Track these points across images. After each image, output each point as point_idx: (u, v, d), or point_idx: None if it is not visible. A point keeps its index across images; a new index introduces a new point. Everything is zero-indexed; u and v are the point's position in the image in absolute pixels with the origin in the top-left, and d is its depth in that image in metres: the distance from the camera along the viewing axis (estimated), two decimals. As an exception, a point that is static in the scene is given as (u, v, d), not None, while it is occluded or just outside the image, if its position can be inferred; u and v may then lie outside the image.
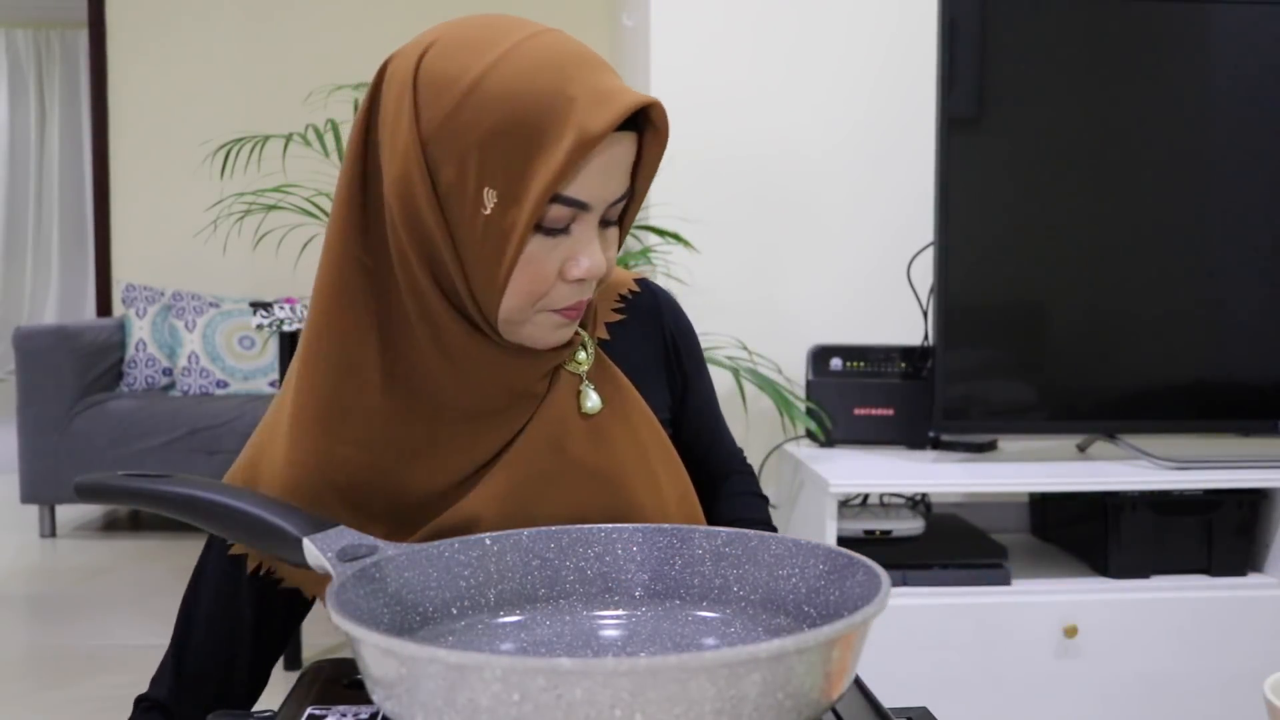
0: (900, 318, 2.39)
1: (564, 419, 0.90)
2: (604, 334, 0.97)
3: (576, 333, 0.92)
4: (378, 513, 0.87)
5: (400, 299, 0.84)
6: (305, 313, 2.60)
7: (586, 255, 0.82)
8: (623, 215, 0.88)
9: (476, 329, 0.85)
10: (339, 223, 0.84)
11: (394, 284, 0.84)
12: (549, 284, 0.83)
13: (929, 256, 2.12)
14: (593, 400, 0.91)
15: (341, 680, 0.86)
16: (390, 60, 0.83)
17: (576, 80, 0.78)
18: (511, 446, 0.88)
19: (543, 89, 0.77)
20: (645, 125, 0.84)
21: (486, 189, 0.78)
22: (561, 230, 0.82)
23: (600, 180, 0.81)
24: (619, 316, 0.99)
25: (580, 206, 0.81)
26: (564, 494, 0.89)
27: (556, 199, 0.79)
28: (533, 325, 0.85)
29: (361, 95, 2.99)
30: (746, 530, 0.80)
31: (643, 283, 1.03)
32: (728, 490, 1.10)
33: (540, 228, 0.80)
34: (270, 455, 0.89)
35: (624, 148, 0.82)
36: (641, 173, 0.86)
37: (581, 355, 0.92)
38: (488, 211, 0.78)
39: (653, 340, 1.02)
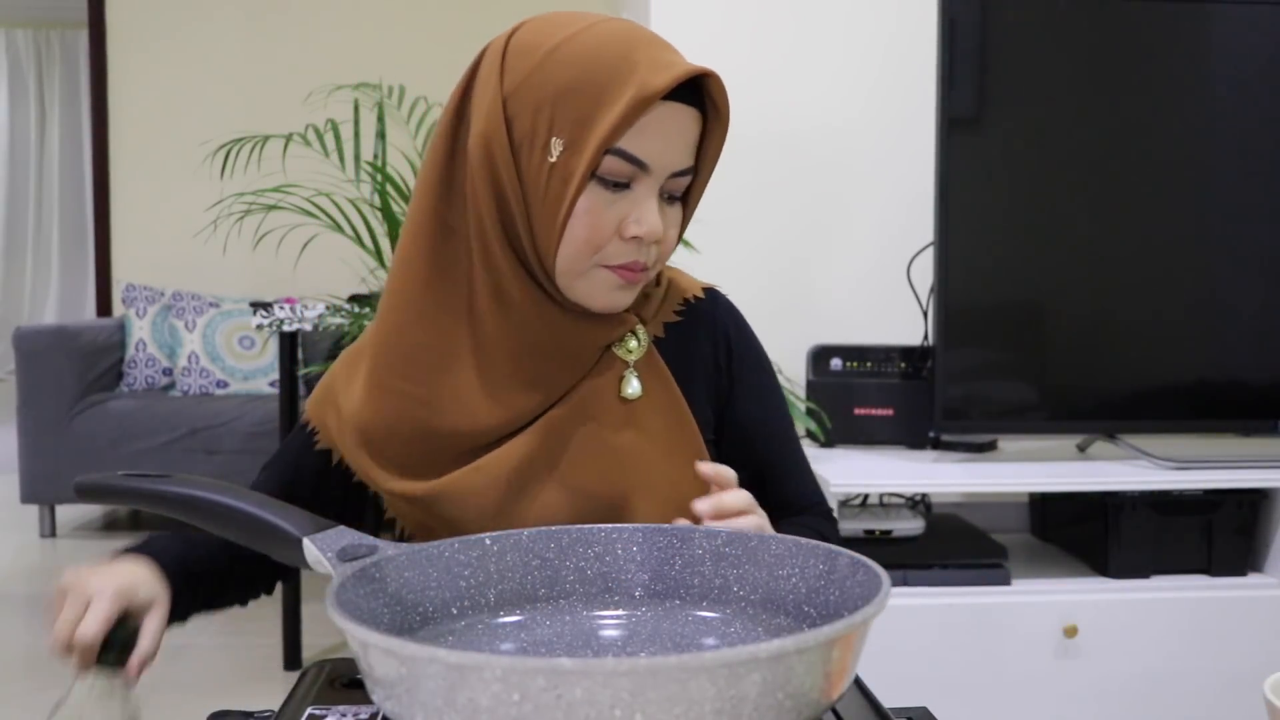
0: (900, 318, 2.38)
1: (602, 398, 0.95)
2: (659, 331, 1.01)
3: (632, 317, 0.97)
4: (417, 451, 0.94)
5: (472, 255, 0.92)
6: (303, 311, 2.60)
7: (644, 214, 0.89)
8: (687, 196, 0.94)
9: (537, 283, 0.91)
10: (427, 184, 0.93)
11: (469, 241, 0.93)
12: (606, 237, 0.89)
13: (929, 256, 2.12)
14: (634, 387, 0.96)
15: (341, 680, 0.86)
16: (489, 42, 0.93)
17: (642, 50, 0.88)
18: (547, 414, 0.93)
19: (612, 54, 0.87)
20: (710, 110, 0.92)
21: (554, 138, 0.87)
22: (621, 186, 0.89)
23: (659, 144, 0.88)
24: (678, 318, 1.03)
25: (638, 164, 0.88)
26: (581, 469, 0.93)
27: (616, 152, 0.87)
28: (588, 281, 0.91)
29: (361, 95, 2.99)
30: (746, 530, 0.80)
31: (710, 292, 1.07)
32: (795, 520, 1.06)
33: (600, 179, 0.88)
34: (349, 391, 0.98)
35: (685, 120, 0.90)
36: (705, 154, 0.93)
37: (634, 344, 0.97)
38: (553, 159, 0.87)
39: (704, 348, 1.03)
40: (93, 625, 0.80)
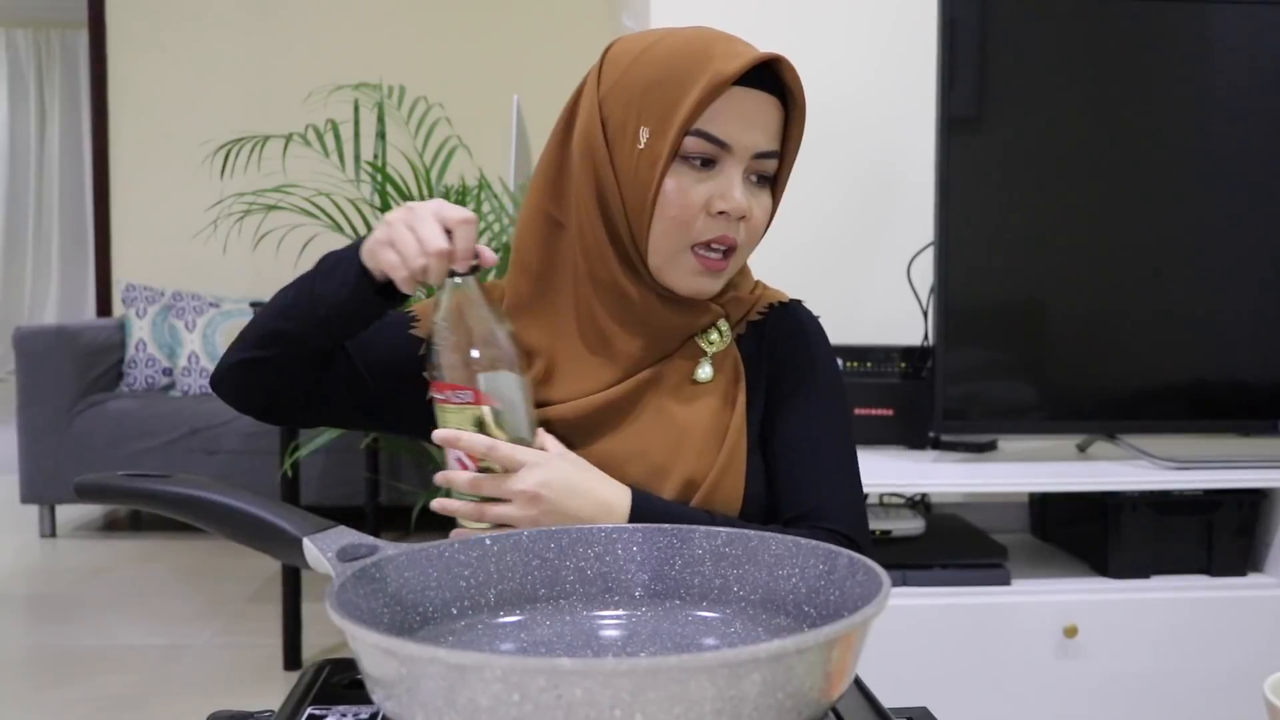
0: (900, 318, 2.38)
1: (675, 377, 1.03)
2: (742, 330, 1.08)
3: (719, 311, 1.05)
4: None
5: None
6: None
7: (728, 190, 0.97)
8: (775, 179, 1.03)
9: (633, 269, 1.01)
10: (537, 184, 1.05)
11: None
12: (693, 213, 0.98)
13: (929, 256, 2.12)
14: (705, 372, 1.04)
15: (341, 680, 0.86)
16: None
17: (719, 45, 0.98)
18: (621, 385, 1.02)
19: (691, 50, 0.98)
20: (789, 97, 1.00)
21: (642, 127, 0.97)
22: (707, 165, 0.98)
23: (739, 125, 0.97)
24: (760, 318, 1.09)
25: (719, 144, 0.97)
26: (636, 433, 1.01)
27: (696, 133, 0.96)
28: (677, 263, 0.99)
29: (361, 95, 2.99)
30: (747, 530, 0.80)
31: (795, 304, 1.13)
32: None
33: (685, 159, 0.97)
34: None
35: (763, 105, 0.99)
36: (789, 139, 1.02)
37: (715, 336, 1.05)
38: (642, 146, 0.97)
39: (767, 351, 1.08)
40: (437, 238, 0.91)
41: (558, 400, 1.02)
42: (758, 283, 1.13)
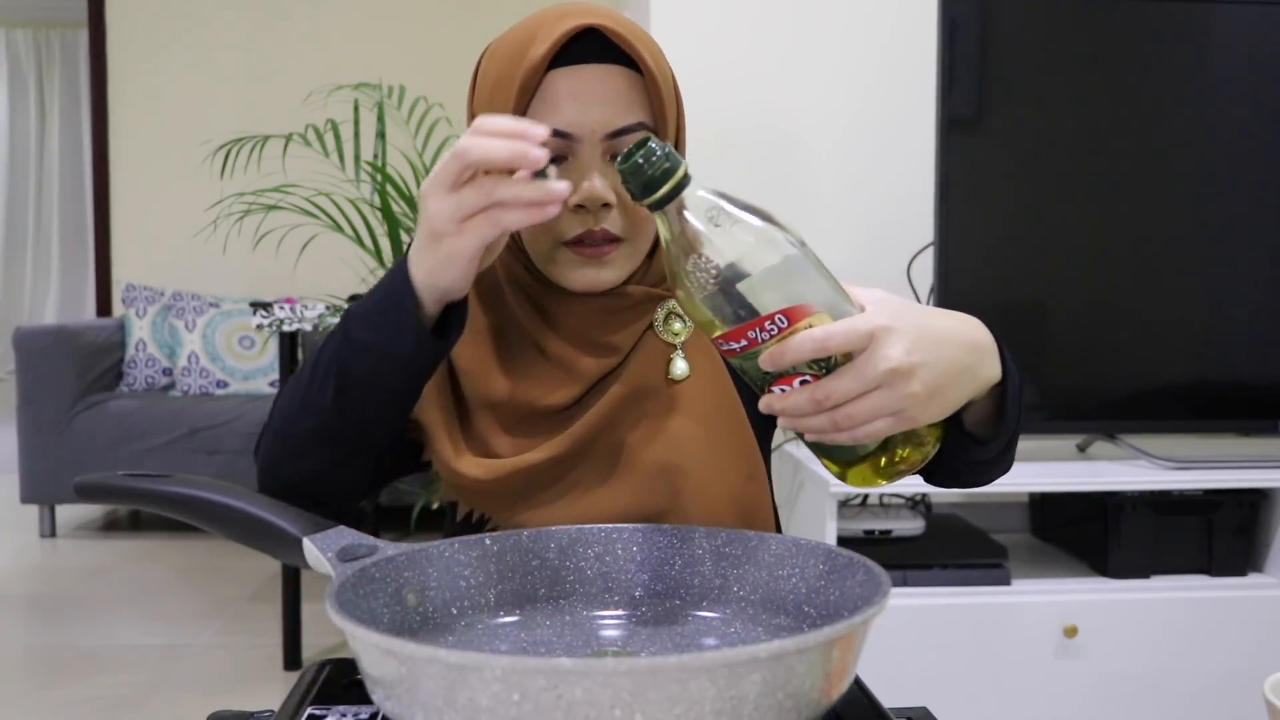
0: (900, 318, 2.38)
1: (649, 380, 0.94)
2: None
3: (661, 298, 0.96)
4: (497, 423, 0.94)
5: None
6: (303, 311, 2.60)
7: (579, 181, 0.88)
8: None
9: (540, 277, 0.94)
10: None
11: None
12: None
13: (929, 256, 2.12)
14: (680, 368, 0.95)
15: (341, 680, 0.86)
16: None
17: (543, 27, 0.88)
18: (597, 400, 0.92)
19: (523, 39, 0.89)
20: (640, 63, 0.89)
21: None
22: (555, 161, 0.88)
23: (576, 108, 0.88)
24: None
25: (559, 135, 0.87)
26: (634, 452, 0.92)
27: None
28: (557, 263, 0.92)
29: (361, 95, 2.99)
30: (746, 530, 0.80)
31: None
32: None
33: None
34: None
35: (605, 77, 0.88)
36: (655, 105, 0.90)
37: (678, 326, 0.96)
38: None
39: None
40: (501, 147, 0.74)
41: (524, 399, 0.93)
42: None
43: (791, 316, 0.68)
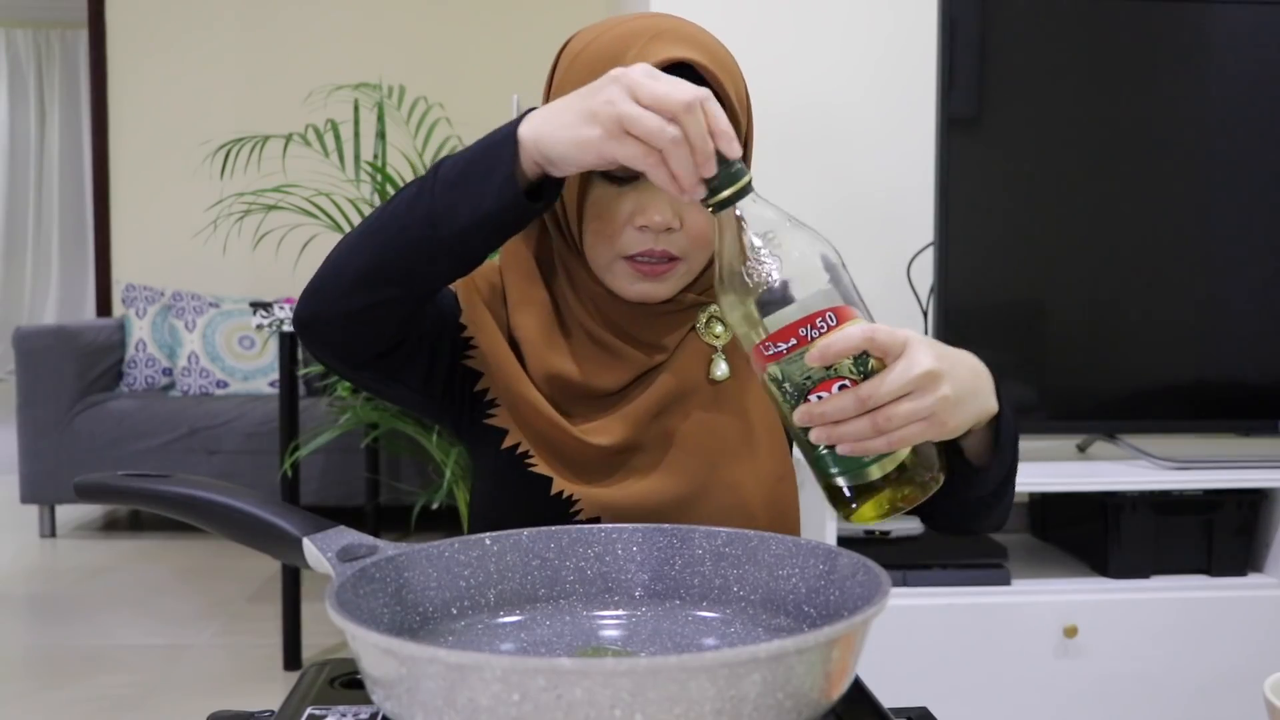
0: (900, 318, 2.38)
1: (691, 380, 0.97)
2: None
3: (703, 306, 0.99)
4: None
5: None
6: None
7: (648, 203, 0.91)
8: None
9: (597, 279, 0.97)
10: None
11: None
12: (616, 229, 0.92)
13: (929, 256, 2.12)
14: (722, 369, 0.98)
15: (341, 680, 0.86)
16: None
17: (638, 45, 0.89)
18: (643, 391, 0.95)
19: (612, 53, 0.90)
20: (720, 94, 0.90)
21: None
22: (627, 180, 0.91)
23: None
24: None
25: None
26: (676, 448, 0.95)
27: None
28: (613, 274, 0.95)
29: (361, 95, 2.99)
30: (746, 530, 0.80)
31: None
32: None
33: (606, 175, 0.91)
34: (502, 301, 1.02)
35: None
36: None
37: (720, 329, 1.00)
38: None
39: None
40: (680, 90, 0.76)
41: (579, 379, 0.95)
42: None
43: (840, 315, 0.73)
